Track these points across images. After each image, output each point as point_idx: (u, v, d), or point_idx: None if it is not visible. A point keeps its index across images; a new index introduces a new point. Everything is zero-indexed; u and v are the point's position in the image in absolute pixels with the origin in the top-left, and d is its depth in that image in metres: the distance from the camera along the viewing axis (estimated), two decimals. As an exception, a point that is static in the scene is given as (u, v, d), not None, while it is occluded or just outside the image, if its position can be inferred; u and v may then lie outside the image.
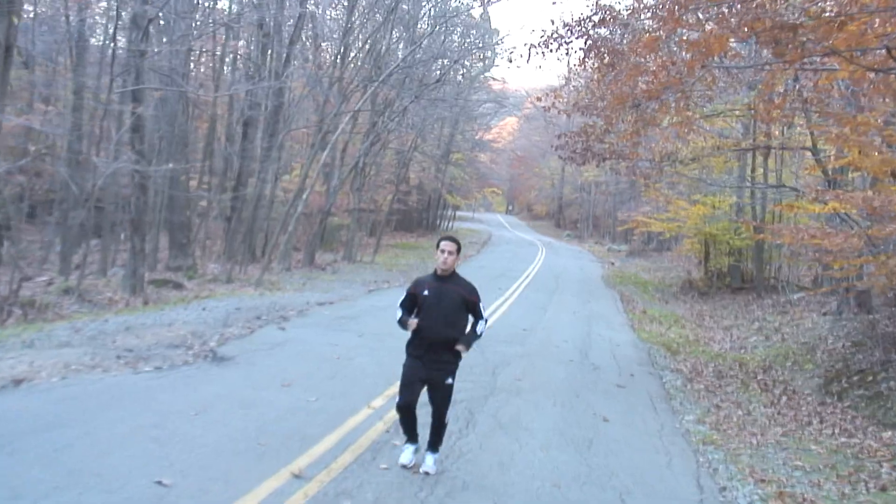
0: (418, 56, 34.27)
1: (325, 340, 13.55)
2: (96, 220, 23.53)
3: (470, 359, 11.68)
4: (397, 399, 7.40)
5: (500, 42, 63.81)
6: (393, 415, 8.86)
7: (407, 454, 7.43)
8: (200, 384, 9.69)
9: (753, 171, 31.14)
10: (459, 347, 7.27)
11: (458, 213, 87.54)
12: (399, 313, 7.52)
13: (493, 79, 62.08)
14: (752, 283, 33.52)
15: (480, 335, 7.46)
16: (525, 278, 33.62)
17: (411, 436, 7.49)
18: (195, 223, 28.65)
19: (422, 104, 38.99)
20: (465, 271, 10.90)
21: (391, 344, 13.75)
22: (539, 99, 23.06)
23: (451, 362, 7.38)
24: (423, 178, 57.95)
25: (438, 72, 38.89)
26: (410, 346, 7.52)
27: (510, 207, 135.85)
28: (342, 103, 28.76)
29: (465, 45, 43.92)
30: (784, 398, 13.30)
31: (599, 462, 8.29)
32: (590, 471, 7.94)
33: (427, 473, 7.24)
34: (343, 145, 35.96)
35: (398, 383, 7.41)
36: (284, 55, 29.29)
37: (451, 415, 7.80)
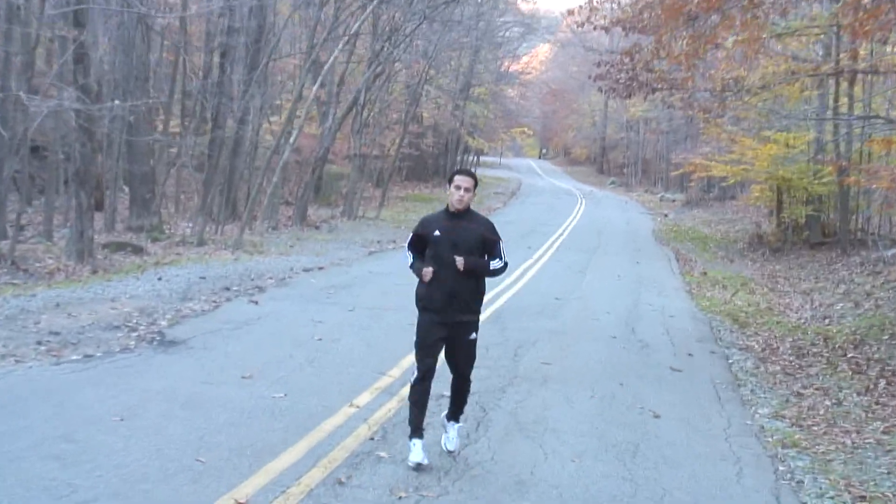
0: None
1: (306, 317, 12.75)
2: (39, 173, 22.72)
3: (486, 337, 10.95)
4: (414, 373, 7.15)
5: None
6: (381, 415, 8.11)
7: (418, 450, 6.91)
8: (136, 377, 8.88)
9: (837, 100, 29.83)
10: (458, 259, 6.89)
11: (483, 159, 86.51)
12: (409, 258, 7.37)
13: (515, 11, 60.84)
14: (834, 237, 32.35)
15: (493, 271, 7.23)
16: (560, 235, 32.74)
17: (419, 428, 7.03)
18: (162, 175, 27.76)
19: (434, 27, 37.88)
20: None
21: (389, 319, 12.97)
22: (572, 13, 21.83)
23: (474, 312, 7.25)
24: (439, 118, 56.72)
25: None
26: (425, 298, 7.18)
27: (544, 151, 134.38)
28: (336, 25, 27.71)
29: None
30: (882, 382, 12.33)
31: (648, 475, 7.40)
32: (635, 489, 7.05)
33: (450, 452, 7.22)
34: (339, 77, 34.95)
35: (391, 372, 6.99)
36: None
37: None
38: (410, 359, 8.37)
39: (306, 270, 18.03)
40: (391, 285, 16.61)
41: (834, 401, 11.09)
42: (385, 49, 33.86)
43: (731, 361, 12.93)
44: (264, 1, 27.53)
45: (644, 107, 59.99)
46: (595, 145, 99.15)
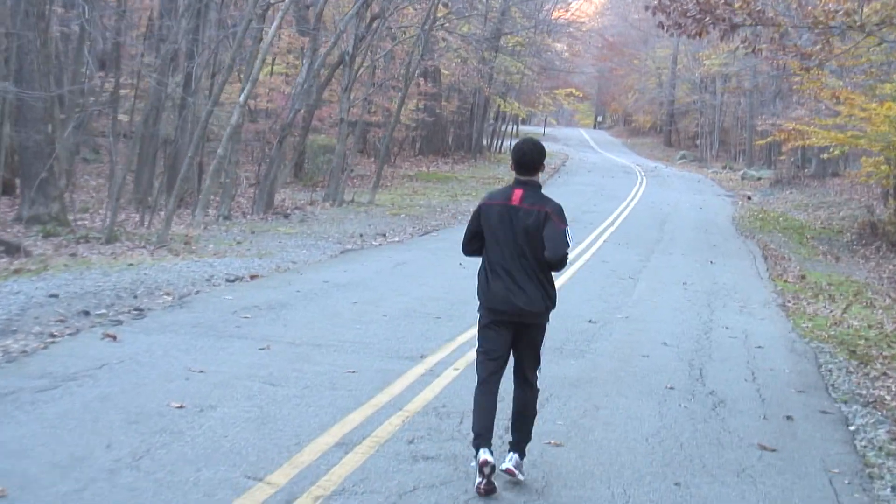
0: None
1: (180, 364, 9.65)
2: None
3: (467, 396, 8.14)
4: None
5: None
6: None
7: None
8: None
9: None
10: None
11: (522, 129, 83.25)
12: None
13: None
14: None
15: None
16: (609, 226, 29.69)
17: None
18: (67, 149, 24.80)
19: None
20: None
21: (316, 367, 9.95)
22: None
23: None
24: (461, 75, 53.18)
25: None
26: None
27: (599, 119, 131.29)
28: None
29: None
30: None
31: None
32: None
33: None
34: (318, 13, 31.81)
35: (272, 477, 6.66)
36: None
37: None
38: (315, 454, 7.13)
39: (230, 281, 15.05)
40: (346, 305, 13.67)
41: None
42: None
43: (853, 428, 9.85)
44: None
45: (722, 58, 56.77)
46: (661, 111, 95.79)
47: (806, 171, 53.06)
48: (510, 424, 7.36)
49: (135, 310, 12.09)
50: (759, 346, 13.51)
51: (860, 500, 7.72)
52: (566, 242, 6.98)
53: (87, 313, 11.62)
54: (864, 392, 11.50)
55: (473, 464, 6.91)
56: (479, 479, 6.76)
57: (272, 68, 43.20)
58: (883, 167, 33.08)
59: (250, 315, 12.32)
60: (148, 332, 10.90)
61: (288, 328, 11.75)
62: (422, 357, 10.83)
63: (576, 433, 8.60)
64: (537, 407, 7.57)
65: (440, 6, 46.79)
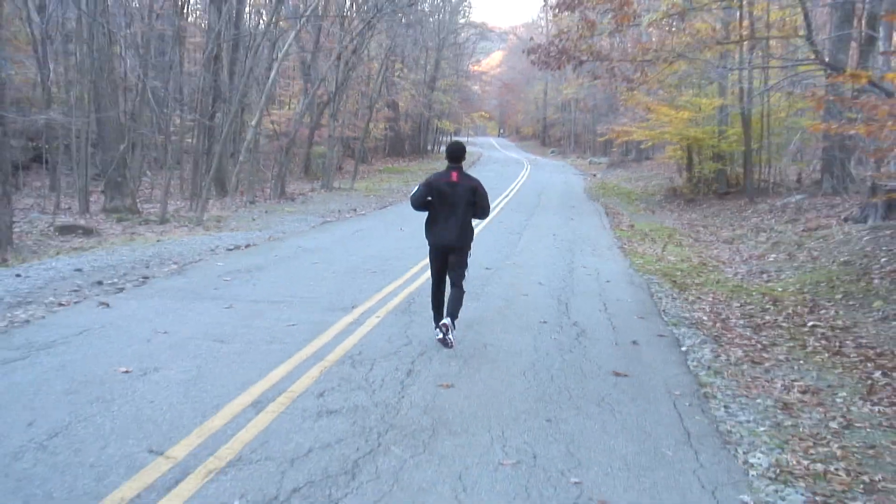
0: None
1: (150, 326, 7.19)
2: None
3: (378, 341, 6.73)
4: None
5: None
6: None
7: None
8: None
9: (741, 62, 24.27)
10: None
11: (455, 139, 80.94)
12: None
13: (469, 18, 55.16)
14: (737, 188, 27.15)
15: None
16: (506, 196, 27.25)
17: None
18: (138, 160, 22.01)
19: (398, 28, 32.06)
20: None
21: (265, 321, 7.58)
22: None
23: None
24: (411, 105, 50.89)
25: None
26: None
27: (501, 131, 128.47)
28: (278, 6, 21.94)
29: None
30: (878, 373, 7.05)
31: None
32: None
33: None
34: (306, 66, 29.05)
35: (173, 451, 4.43)
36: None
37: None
38: (227, 417, 4.98)
39: (228, 250, 12.51)
40: (307, 266, 11.15)
41: (839, 417, 5.80)
42: (352, 41, 28.06)
43: (684, 349, 7.62)
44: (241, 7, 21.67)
45: (574, 89, 54.57)
46: (538, 124, 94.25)
47: (629, 157, 50.84)
48: (447, 308, 7.12)
49: (142, 278, 9.57)
50: (608, 281, 11.25)
51: (700, 421, 5.49)
52: (489, 203, 7.37)
53: (100, 283, 9.09)
54: (687, 315, 9.26)
55: (438, 333, 6.99)
56: (440, 335, 6.96)
57: (289, 106, 40.91)
58: (679, 152, 31.06)
59: (230, 278, 9.81)
60: (140, 298, 8.39)
61: (256, 287, 9.28)
62: (353, 307, 8.36)
63: (466, 372, 6.28)
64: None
65: (398, 62, 44.61)
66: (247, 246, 13.07)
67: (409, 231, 15.93)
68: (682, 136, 27.29)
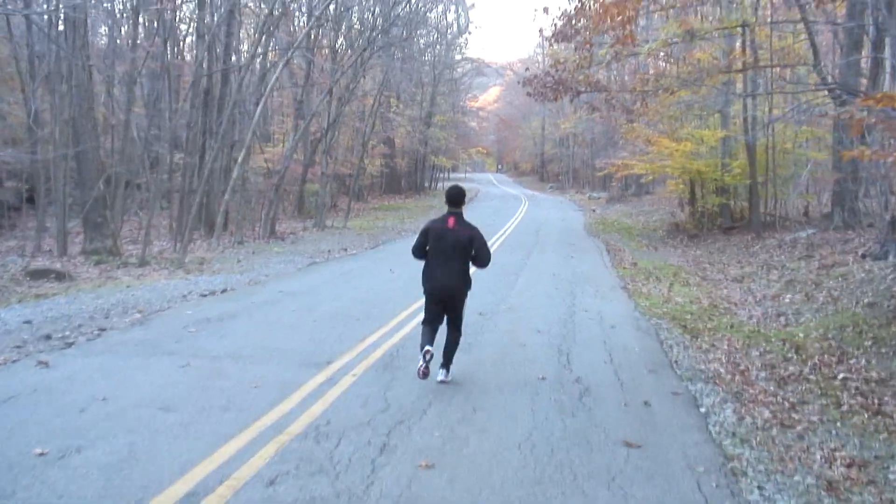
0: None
1: (90, 391, 6.18)
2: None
3: (352, 407, 5.78)
4: None
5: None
6: None
7: None
8: None
9: (745, 88, 23.56)
10: None
11: (453, 175, 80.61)
12: None
13: (465, 55, 55.13)
14: (742, 222, 26.34)
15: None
16: (503, 234, 26.37)
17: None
18: (120, 199, 21.11)
19: (395, 60, 31.41)
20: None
21: (226, 379, 6.61)
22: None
23: None
24: (407, 142, 50.26)
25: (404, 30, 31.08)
26: None
27: (499, 166, 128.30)
28: (264, 41, 21.23)
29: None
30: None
31: None
32: None
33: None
34: (297, 103, 28.34)
35: None
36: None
37: None
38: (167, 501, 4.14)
39: (203, 296, 11.53)
40: (286, 312, 10.19)
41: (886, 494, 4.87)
42: (343, 75, 27.39)
43: (703, 410, 6.68)
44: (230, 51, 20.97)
45: (572, 123, 54.14)
46: (536, 159, 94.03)
47: (628, 192, 50.15)
48: (442, 353, 7.03)
49: (98, 330, 8.61)
50: (613, 326, 10.33)
51: (731, 508, 4.54)
52: (488, 251, 7.21)
53: (48, 337, 8.13)
54: (702, 367, 8.32)
55: (420, 362, 6.77)
56: (421, 364, 6.74)
57: (283, 143, 40.14)
58: (681, 186, 30.29)
59: (196, 329, 8.83)
60: (88, 355, 7.42)
61: (223, 340, 8.30)
62: (328, 363, 7.41)
63: (451, 446, 5.33)
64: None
65: (392, 99, 43.96)
66: (223, 291, 12.11)
67: (399, 272, 15.04)
68: (685, 169, 26.52)
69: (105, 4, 23.82)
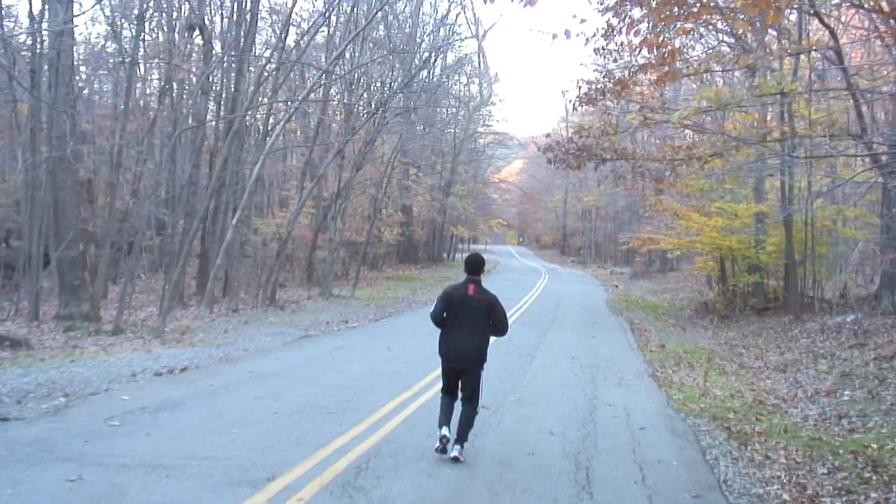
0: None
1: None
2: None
3: None
4: None
5: (494, 80, 54.76)
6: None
7: None
8: None
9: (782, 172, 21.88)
10: None
11: (473, 246, 79.35)
12: None
13: (489, 126, 54.35)
14: (776, 303, 24.42)
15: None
16: (520, 308, 24.58)
17: None
18: (102, 259, 19.60)
19: (413, 125, 30.28)
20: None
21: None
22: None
23: None
24: (425, 210, 48.96)
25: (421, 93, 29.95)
26: None
27: (521, 239, 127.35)
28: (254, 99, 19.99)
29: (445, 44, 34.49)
30: None
31: None
32: None
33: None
34: (303, 167, 27.08)
35: None
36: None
37: None
38: None
39: (157, 374, 9.82)
40: (243, 402, 8.38)
41: None
42: (354, 134, 26.15)
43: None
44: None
45: (595, 196, 52.85)
46: (558, 233, 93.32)
47: (652, 267, 48.40)
48: (457, 429, 6.61)
49: (14, 419, 6.91)
50: (642, 428, 8.48)
51: None
52: (506, 320, 7.08)
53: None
54: (760, 491, 6.47)
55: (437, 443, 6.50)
56: (437, 445, 6.56)
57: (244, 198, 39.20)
58: (710, 263, 28.51)
59: (119, 422, 7.05)
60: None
61: (146, 440, 6.52)
62: (269, 479, 5.60)
63: None
64: None
65: (411, 167, 42.91)
66: (183, 369, 10.37)
67: (398, 351, 13.30)
68: (716, 245, 24.77)
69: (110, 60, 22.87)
